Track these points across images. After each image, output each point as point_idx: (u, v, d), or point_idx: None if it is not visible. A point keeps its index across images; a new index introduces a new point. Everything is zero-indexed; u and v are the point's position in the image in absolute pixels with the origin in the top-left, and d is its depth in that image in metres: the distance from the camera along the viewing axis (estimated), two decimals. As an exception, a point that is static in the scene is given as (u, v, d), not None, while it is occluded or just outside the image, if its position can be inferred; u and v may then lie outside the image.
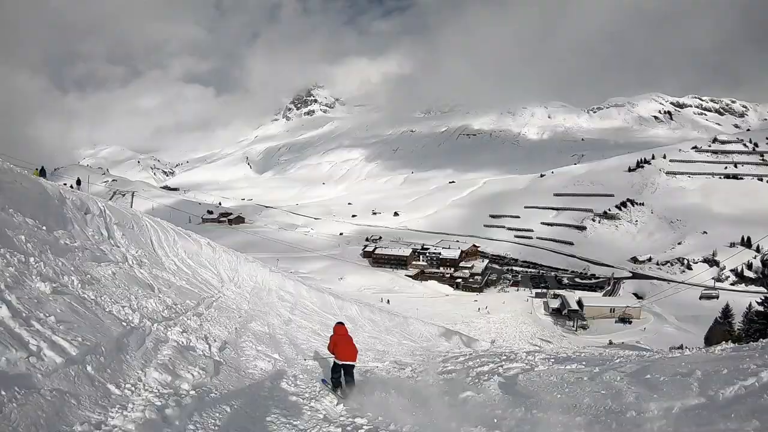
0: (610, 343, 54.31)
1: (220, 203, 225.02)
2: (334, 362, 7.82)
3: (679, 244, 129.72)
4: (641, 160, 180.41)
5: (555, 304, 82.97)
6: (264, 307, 15.41)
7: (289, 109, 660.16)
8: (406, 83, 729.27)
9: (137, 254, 12.67)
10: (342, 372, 7.73)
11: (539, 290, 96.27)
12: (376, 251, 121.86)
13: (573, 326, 75.14)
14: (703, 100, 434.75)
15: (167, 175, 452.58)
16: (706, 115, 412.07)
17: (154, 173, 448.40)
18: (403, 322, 23.82)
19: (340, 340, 7.88)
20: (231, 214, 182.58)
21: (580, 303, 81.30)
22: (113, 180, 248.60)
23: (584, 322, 75.55)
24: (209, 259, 17.77)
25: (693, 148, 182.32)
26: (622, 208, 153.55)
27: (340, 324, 8.47)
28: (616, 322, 74.39)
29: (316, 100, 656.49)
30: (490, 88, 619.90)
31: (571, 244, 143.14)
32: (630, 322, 75.57)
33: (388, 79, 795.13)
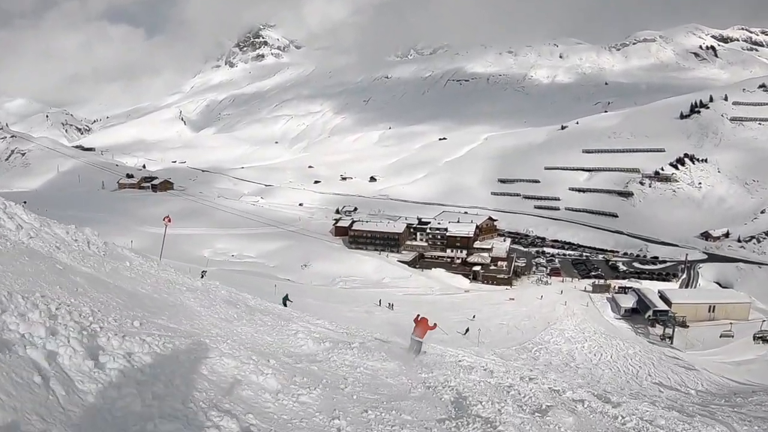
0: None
1: (144, 166, 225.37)
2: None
3: (762, 212, 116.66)
4: (696, 103, 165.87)
5: (628, 302, 66.48)
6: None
7: (233, 54, 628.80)
8: (378, 20, 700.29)
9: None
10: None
11: (595, 281, 80.00)
12: (355, 227, 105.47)
13: (661, 336, 59.12)
14: (752, 32, 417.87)
15: (82, 133, 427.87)
16: (758, 50, 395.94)
17: (66, 130, 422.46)
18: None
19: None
20: (156, 178, 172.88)
21: (665, 300, 65.16)
22: (12, 136, 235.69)
23: (683, 329, 59.68)
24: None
25: (761, 86, 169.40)
26: (680, 166, 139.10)
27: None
28: (726, 334, 57.06)
29: (266, 43, 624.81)
30: (483, 24, 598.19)
31: (615, 216, 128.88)
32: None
33: (356, 15, 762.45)
